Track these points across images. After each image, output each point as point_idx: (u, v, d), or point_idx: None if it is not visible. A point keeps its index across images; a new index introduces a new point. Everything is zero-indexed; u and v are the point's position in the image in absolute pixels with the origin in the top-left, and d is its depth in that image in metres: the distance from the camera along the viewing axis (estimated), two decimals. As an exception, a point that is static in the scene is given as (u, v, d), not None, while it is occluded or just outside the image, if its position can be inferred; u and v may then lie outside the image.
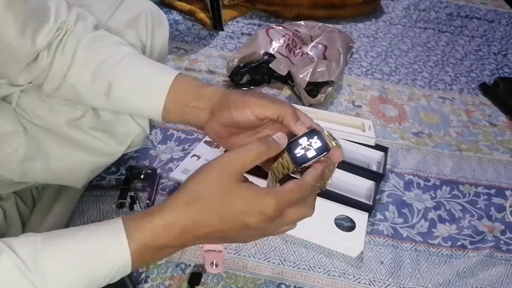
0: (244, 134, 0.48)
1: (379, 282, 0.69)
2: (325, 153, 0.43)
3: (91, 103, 0.56)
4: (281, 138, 0.43)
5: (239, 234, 0.41)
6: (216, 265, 0.66)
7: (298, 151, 0.43)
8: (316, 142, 0.43)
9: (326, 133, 0.45)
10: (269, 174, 0.45)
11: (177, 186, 0.79)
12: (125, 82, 0.52)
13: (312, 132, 0.44)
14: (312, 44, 1.21)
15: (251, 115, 0.45)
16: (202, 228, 0.39)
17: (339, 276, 0.69)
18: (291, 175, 0.44)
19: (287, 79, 1.11)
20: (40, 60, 0.52)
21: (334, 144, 0.44)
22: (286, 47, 1.16)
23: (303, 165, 0.43)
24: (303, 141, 0.44)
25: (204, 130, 0.50)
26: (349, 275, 0.69)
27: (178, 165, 0.82)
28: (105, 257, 0.37)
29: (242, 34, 1.37)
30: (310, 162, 0.43)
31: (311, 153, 0.43)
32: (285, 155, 0.43)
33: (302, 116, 0.46)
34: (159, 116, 0.51)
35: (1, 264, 0.34)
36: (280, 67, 1.08)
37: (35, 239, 0.37)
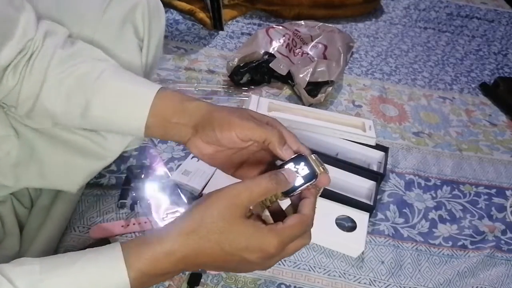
0: (228, 151, 0.48)
1: (380, 282, 0.69)
2: (313, 180, 0.43)
3: (66, 123, 0.53)
4: (290, 176, 0.42)
5: (238, 266, 0.41)
6: (217, 265, 0.66)
7: None
8: (303, 169, 0.43)
9: (313, 157, 0.45)
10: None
11: (176, 187, 0.79)
12: (104, 98, 0.49)
13: (299, 157, 0.44)
14: (312, 43, 1.21)
15: (236, 138, 0.44)
16: (202, 257, 0.39)
17: (340, 276, 0.69)
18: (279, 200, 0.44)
19: (287, 79, 1.11)
20: (5, 81, 0.50)
21: (322, 170, 0.43)
22: (286, 47, 1.16)
23: (292, 194, 0.43)
24: (290, 167, 0.43)
25: (187, 146, 0.48)
26: (349, 275, 0.69)
27: (179, 166, 0.82)
28: (104, 286, 0.37)
29: (242, 33, 1.37)
30: (299, 191, 0.43)
31: (299, 181, 0.43)
32: None
33: (289, 138, 0.46)
34: (141, 132, 0.49)
35: None
36: (280, 66, 1.08)
37: (33, 268, 0.36)
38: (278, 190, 0.42)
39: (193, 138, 0.47)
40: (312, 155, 0.45)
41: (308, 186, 0.43)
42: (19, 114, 0.54)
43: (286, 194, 0.43)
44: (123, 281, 0.37)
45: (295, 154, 0.45)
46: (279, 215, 0.44)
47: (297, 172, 0.43)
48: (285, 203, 0.47)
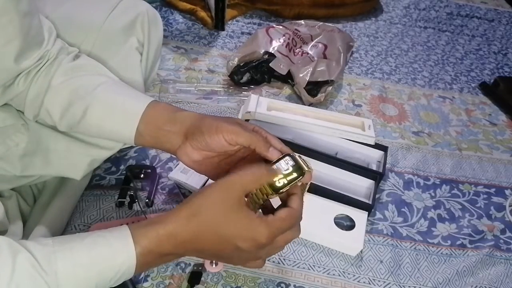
0: (217, 158, 0.51)
1: (379, 281, 0.69)
2: (301, 177, 0.46)
3: (64, 129, 0.56)
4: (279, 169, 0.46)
5: (232, 255, 0.45)
6: (216, 264, 0.66)
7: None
8: (291, 167, 0.47)
9: (299, 156, 0.48)
10: (247, 200, 0.47)
11: (176, 186, 0.79)
12: (99, 108, 0.52)
13: (286, 157, 0.48)
14: (312, 43, 1.21)
15: (224, 141, 0.47)
16: (200, 242, 0.43)
17: (339, 275, 0.69)
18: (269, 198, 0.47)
19: (287, 79, 1.11)
20: (16, 85, 0.53)
21: (307, 167, 0.47)
22: (286, 46, 1.16)
23: (281, 191, 0.46)
24: (279, 165, 0.47)
25: (176, 155, 0.51)
26: (348, 274, 0.69)
27: (177, 165, 0.82)
28: (112, 260, 0.40)
29: (242, 33, 1.37)
30: (288, 187, 0.46)
31: (288, 178, 0.46)
32: None
33: (272, 140, 0.50)
34: (131, 139, 0.52)
35: (19, 262, 0.36)
36: (280, 66, 1.08)
37: (47, 242, 0.39)
38: (268, 179, 0.45)
39: (183, 145, 0.50)
40: (296, 154, 0.48)
41: (296, 182, 0.46)
42: (27, 118, 0.57)
43: (276, 191, 0.45)
44: (130, 256, 0.40)
45: (282, 154, 0.48)
46: (271, 213, 0.46)
47: (285, 169, 0.46)
48: (275, 203, 0.49)
